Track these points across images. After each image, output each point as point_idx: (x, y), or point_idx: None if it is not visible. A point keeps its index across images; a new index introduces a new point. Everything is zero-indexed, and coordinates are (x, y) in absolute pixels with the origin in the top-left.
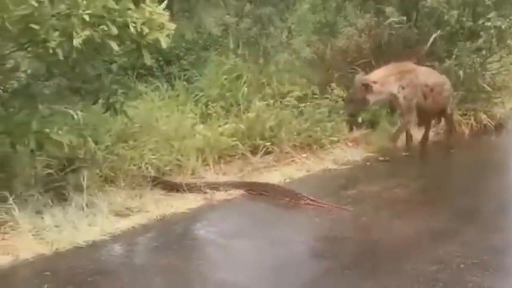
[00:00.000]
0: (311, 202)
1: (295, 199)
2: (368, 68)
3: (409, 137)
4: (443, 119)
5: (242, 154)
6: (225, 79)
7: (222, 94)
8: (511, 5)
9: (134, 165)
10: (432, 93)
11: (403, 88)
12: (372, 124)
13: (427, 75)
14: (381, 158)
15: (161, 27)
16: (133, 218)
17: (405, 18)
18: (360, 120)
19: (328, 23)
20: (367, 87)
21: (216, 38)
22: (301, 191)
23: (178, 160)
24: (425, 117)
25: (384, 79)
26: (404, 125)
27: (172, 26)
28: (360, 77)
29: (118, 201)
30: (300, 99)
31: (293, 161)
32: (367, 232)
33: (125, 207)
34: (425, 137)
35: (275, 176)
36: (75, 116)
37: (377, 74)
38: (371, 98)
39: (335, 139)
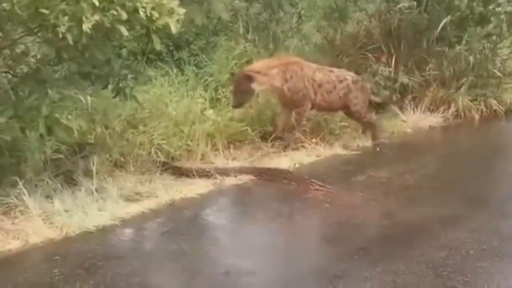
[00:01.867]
0: (320, 188)
1: (304, 185)
2: (378, 53)
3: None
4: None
5: (252, 139)
6: (235, 64)
7: (232, 79)
8: None
9: (144, 150)
10: (320, 89)
11: (287, 80)
12: (382, 108)
13: (313, 69)
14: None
15: (171, 12)
16: (143, 203)
17: (415, 3)
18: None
19: (338, 8)
20: (249, 78)
21: (226, 23)
22: (311, 176)
23: (188, 145)
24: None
25: (266, 74)
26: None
27: (182, 11)
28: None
29: (127, 186)
30: None
31: (302, 146)
32: (377, 218)
33: (134, 192)
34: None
35: (284, 162)
36: (84, 101)
37: (260, 66)
38: (257, 87)
39: (345, 124)
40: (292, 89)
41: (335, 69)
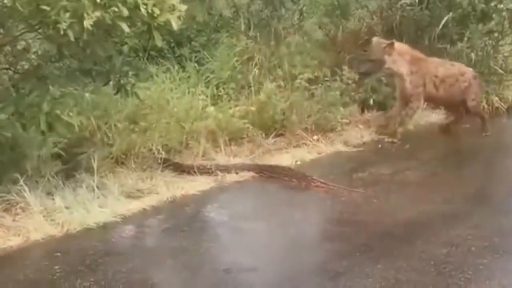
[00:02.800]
0: (322, 185)
1: (306, 182)
2: None
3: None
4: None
5: (253, 136)
6: (236, 61)
7: (233, 76)
8: None
9: (145, 147)
10: (443, 84)
11: (412, 72)
12: (384, 106)
13: (438, 66)
14: (391, 140)
15: (172, 8)
16: (144, 200)
17: (417, 0)
18: (371, 102)
19: (339, 5)
20: (390, 47)
21: (227, 20)
22: (312, 173)
23: (189, 142)
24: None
25: (400, 55)
26: (409, 113)
27: (183, 7)
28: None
29: (128, 183)
30: (311, 81)
31: (304, 143)
32: (378, 215)
33: (135, 189)
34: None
35: (286, 159)
36: (85, 98)
37: (400, 46)
38: (388, 62)
39: (347, 121)
40: (413, 82)
41: (455, 63)
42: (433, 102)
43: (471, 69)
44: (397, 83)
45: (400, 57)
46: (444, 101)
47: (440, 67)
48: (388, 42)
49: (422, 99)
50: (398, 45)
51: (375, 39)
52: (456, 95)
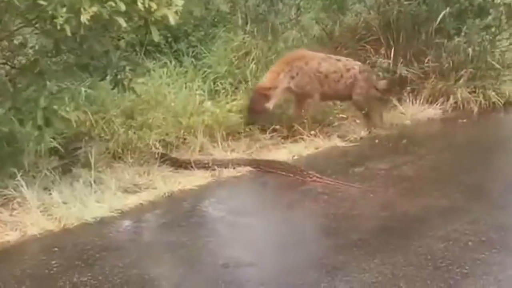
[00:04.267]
0: (318, 180)
1: (302, 177)
2: (377, 45)
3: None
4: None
5: (250, 131)
6: (234, 56)
7: (231, 71)
8: None
9: (142, 142)
10: (327, 80)
11: (293, 77)
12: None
13: (321, 63)
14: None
15: (169, 3)
16: (141, 195)
17: None
18: None
19: (337, 0)
20: (265, 96)
21: (225, 15)
22: (309, 168)
23: (186, 137)
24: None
25: (273, 86)
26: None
27: (180, 2)
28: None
29: (126, 178)
30: None
31: (301, 138)
32: (375, 209)
33: (133, 183)
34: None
35: (283, 154)
36: (81, 93)
37: (268, 79)
38: (271, 104)
39: (344, 116)
40: (298, 84)
41: (342, 58)
42: (321, 97)
43: (359, 63)
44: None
45: (276, 87)
46: (331, 96)
47: (324, 62)
48: (265, 93)
49: (316, 94)
50: (268, 81)
51: (254, 94)
52: (342, 91)
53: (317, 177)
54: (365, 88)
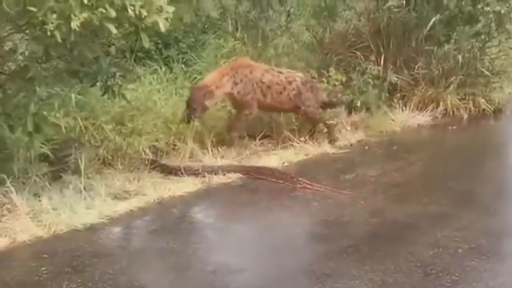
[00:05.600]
0: (308, 186)
1: (292, 183)
2: (367, 52)
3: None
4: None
5: (240, 137)
6: (224, 62)
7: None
8: None
9: (132, 148)
10: (270, 91)
11: (236, 83)
12: (371, 107)
13: (264, 73)
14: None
15: (160, 10)
16: (131, 201)
17: (404, 2)
18: (358, 103)
19: (327, 6)
20: (210, 93)
21: (215, 21)
22: (299, 175)
23: (176, 143)
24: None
25: (217, 85)
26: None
27: (171, 9)
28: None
29: (116, 184)
30: None
31: (291, 145)
32: (365, 216)
33: (123, 190)
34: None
35: (273, 160)
36: (71, 99)
37: (211, 78)
38: (210, 103)
39: (334, 123)
40: (241, 92)
41: (283, 70)
42: (263, 108)
43: (301, 75)
44: (229, 100)
45: (219, 86)
46: (275, 108)
47: (267, 74)
48: (206, 89)
49: (254, 105)
50: (211, 78)
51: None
52: (286, 103)
53: (307, 183)
54: (313, 100)
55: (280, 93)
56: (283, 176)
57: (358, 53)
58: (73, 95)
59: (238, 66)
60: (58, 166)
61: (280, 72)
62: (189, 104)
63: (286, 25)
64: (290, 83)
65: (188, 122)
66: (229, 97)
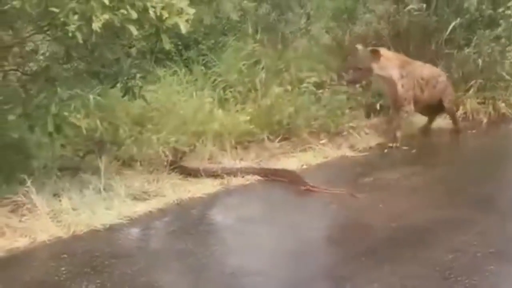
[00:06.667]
0: (325, 191)
1: (304, 186)
2: None
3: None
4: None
5: (260, 139)
6: (243, 64)
7: (240, 79)
8: None
9: (152, 149)
10: (428, 86)
11: (402, 76)
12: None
13: (422, 69)
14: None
15: (180, 11)
16: (150, 202)
17: (424, 5)
18: (378, 107)
19: (347, 9)
20: (376, 54)
21: (235, 23)
22: (318, 177)
23: (196, 144)
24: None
25: (388, 60)
26: (404, 116)
27: (192, 11)
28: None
29: (135, 185)
30: (318, 85)
31: (310, 147)
32: (384, 220)
33: (142, 191)
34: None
35: (292, 162)
36: (91, 100)
37: (385, 51)
38: (376, 69)
39: (353, 125)
40: (405, 86)
41: (431, 66)
42: (418, 104)
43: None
44: (388, 88)
45: (389, 62)
46: (427, 103)
47: (424, 69)
48: (373, 49)
49: (412, 101)
50: (384, 51)
51: (360, 47)
52: (436, 96)
53: (324, 189)
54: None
55: (434, 87)
56: (299, 179)
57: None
58: (91, 96)
59: (406, 61)
60: (78, 166)
61: (431, 67)
62: (353, 65)
63: (306, 27)
64: (439, 75)
65: (350, 84)
66: (391, 87)
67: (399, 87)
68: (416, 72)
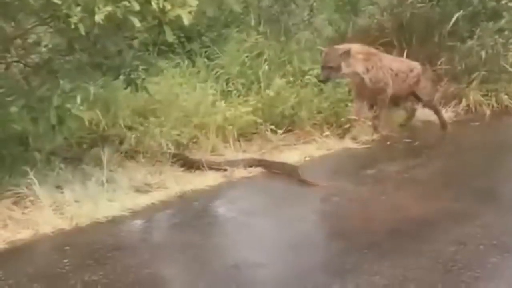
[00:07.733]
0: (322, 184)
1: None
2: (390, 47)
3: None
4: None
5: (263, 132)
6: (246, 56)
7: (243, 71)
8: None
9: (154, 141)
10: (396, 78)
11: (368, 70)
12: (391, 103)
13: (392, 61)
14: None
15: (183, 3)
16: (153, 195)
17: None
18: None
19: (350, 1)
20: (346, 54)
21: (238, 15)
22: (321, 170)
23: (198, 137)
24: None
25: (353, 57)
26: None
27: (194, 2)
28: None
29: (138, 177)
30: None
31: (313, 139)
32: (387, 212)
33: (145, 183)
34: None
35: (295, 155)
36: (94, 92)
37: (355, 48)
38: (343, 67)
39: (356, 118)
40: (373, 79)
41: (404, 59)
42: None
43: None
44: (354, 82)
45: (353, 59)
46: (394, 95)
47: (394, 62)
48: (344, 49)
49: (389, 88)
50: (354, 48)
51: (331, 48)
52: (404, 89)
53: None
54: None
55: (404, 81)
56: (294, 173)
57: (380, 48)
58: (94, 88)
59: (368, 52)
60: (80, 158)
61: (402, 61)
62: (325, 63)
63: (309, 19)
64: (411, 71)
65: (324, 82)
66: (358, 82)
67: (366, 81)
68: (383, 63)
